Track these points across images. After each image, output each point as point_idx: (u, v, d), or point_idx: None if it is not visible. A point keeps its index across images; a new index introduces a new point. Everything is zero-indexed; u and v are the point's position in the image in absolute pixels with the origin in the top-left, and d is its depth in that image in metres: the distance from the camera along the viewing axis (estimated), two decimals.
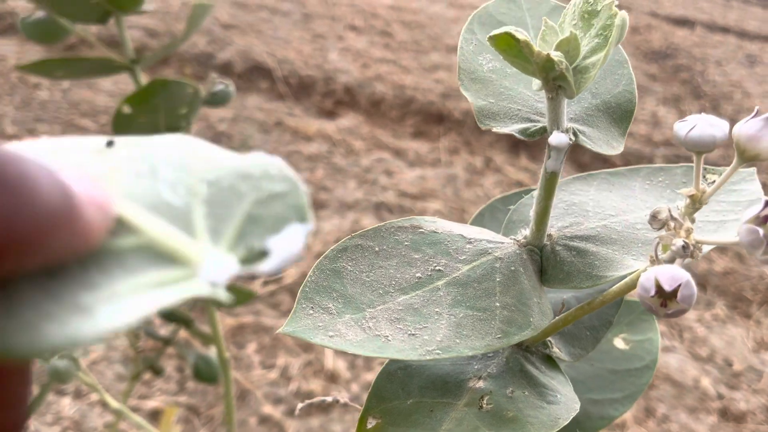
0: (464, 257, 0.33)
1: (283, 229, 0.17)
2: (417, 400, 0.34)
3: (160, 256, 0.17)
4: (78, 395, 1.25)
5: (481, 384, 0.34)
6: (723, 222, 0.34)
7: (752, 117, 0.27)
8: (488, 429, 0.32)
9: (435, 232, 0.34)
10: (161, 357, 0.94)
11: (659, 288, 0.24)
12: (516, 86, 0.34)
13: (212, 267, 0.16)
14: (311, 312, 0.30)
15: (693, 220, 0.28)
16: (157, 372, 0.85)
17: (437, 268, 0.33)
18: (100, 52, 0.90)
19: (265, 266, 0.17)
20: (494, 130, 0.32)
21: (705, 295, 1.83)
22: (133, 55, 0.87)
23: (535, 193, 0.33)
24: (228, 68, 2.49)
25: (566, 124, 0.31)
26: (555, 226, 0.36)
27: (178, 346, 0.86)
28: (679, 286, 0.24)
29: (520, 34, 0.27)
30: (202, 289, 0.16)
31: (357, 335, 0.29)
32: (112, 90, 2.23)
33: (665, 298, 0.24)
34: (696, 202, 0.27)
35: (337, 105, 2.44)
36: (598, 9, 0.28)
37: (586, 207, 0.36)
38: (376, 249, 0.33)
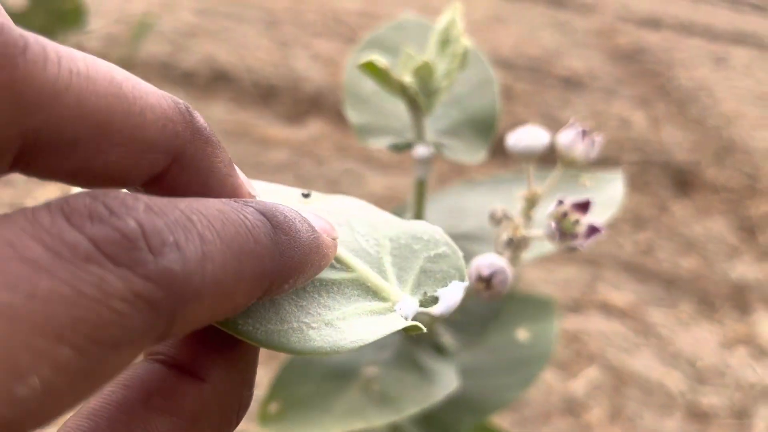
0: None
1: (448, 283, 0.23)
2: (316, 386, 0.38)
3: (367, 290, 0.22)
4: None
5: (372, 370, 0.39)
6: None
7: (567, 128, 0.31)
8: (374, 408, 0.36)
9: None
10: None
11: (479, 274, 0.29)
12: (392, 106, 0.38)
13: (404, 305, 0.22)
14: None
15: (530, 217, 0.32)
16: None
17: None
18: None
19: (435, 310, 0.22)
20: (369, 144, 0.36)
21: (670, 296, 1.85)
22: None
23: (408, 199, 0.38)
24: (193, 76, 2.47)
25: (431, 137, 0.35)
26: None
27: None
28: (494, 272, 0.28)
29: (380, 63, 0.31)
30: (403, 322, 0.21)
31: None
32: None
33: (486, 282, 0.29)
34: (530, 202, 0.32)
35: (305, 113, 2.44)
36: (450, 39, 0.32)
37: (468, 209, 0.40)
38: None
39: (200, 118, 0.19)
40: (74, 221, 0.14)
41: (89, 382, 0.13)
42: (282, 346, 0.19)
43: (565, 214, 0.29)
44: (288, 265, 0.18)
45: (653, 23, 3.66)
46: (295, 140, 2.24)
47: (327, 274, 0.22)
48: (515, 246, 0.31)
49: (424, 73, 0.31)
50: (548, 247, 0.33)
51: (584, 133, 0.31)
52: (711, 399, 1.51)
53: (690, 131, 2.63)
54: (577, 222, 0.29)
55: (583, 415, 1.45)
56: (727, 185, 2.34)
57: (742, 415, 1.49)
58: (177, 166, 0.19)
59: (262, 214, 0.18)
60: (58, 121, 0.16)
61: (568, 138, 0.31)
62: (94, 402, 0.18)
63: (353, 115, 0.37)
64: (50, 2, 0.93)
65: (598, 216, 0.30)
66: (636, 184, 2.19)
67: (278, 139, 2.23)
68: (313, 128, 2.34)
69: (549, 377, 1.50)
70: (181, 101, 0.19)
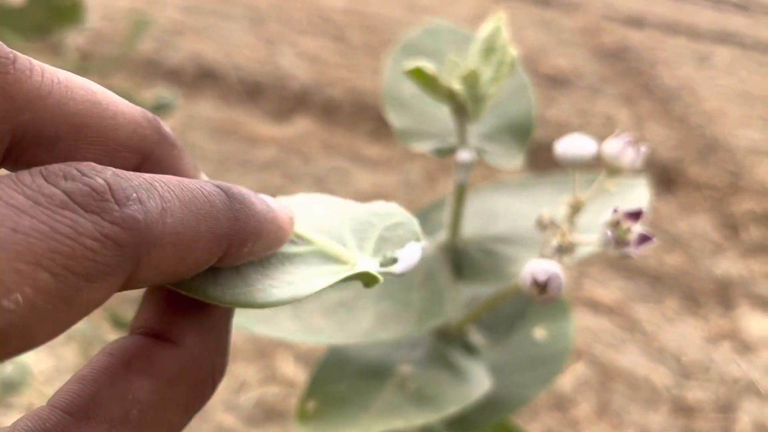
0: None
1: (405, 246, 0.24)
2: (351, 383, 0.39)
3: (328, 258, 0.24)
4: (29, 410, 1.17)
5: (406, 368, 0.39)
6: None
7: (614, 138, 0.32)
8: (411, 406, 0.37)
9: None
10: None
11: (534, 279, 0.30)
12: (434, 110, 0.39)
13: (362, 264, 0.24)
14: None
15: (573, 223, 0.33)
16: None
17: None
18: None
19: (396, 268, 0.24)
20: (413, 148, 0.37)
21: (656, 293, 1.86)
22: (76, 67, 0.90)
23: (447, 203, 0.38)
24: (179, 74, 2.45)
25: (473, 142, 0.36)
26: (468, 229, 0.41)
27: None
28: (549, 277, 0.29)
29: (428, 69, 0.32)
30: (354, 270, 0.23)
31: (294, 326, 0.34)
32: None
33: (541, 287, 0.30)
34: (574, 209, 0.33)
35: (291, 110, 2.42)
36: (495, 47, 0.33)
37: (497, 212, 0.41)
38: None
39: (166, 127, 0.22)
40: (51, 179, 0.17)
41: (70, 307, 0.16)
42: (247, 303, 0.21)
43: (617, 223, 0.30)
44: (243, 229, 0.21)
45: (637, 22, 3.69)
46: (282, 138, 2.23)
47: (290, 248, 0.24)
48: (563, 251, 0.32)
49: (471, 80, 0.32)
50: (588, 250, 0.34)
51: (630, 143, 0.32)
52: (696, 393, 1.52)
53: (673, 129, 2.66)
54: (628, 230, 0.30)
55: (571, 410, 1.46)
56: (710, 183, 2.36)
57: (726, 409, 1.51)
58: (147, 166, 0.21)
59: (218, 187, 0.21)
60: (42, 120, 0.19)
61: (615, 147, 0.32)
62: (82, 370, 0.20)
63: (395, 119, 0.38)
64: None
65: None
66: None
67: (265, 137, 2.22)
68: (300, 126, 2.33)
69: None
70: (149, 112, 0.22)
